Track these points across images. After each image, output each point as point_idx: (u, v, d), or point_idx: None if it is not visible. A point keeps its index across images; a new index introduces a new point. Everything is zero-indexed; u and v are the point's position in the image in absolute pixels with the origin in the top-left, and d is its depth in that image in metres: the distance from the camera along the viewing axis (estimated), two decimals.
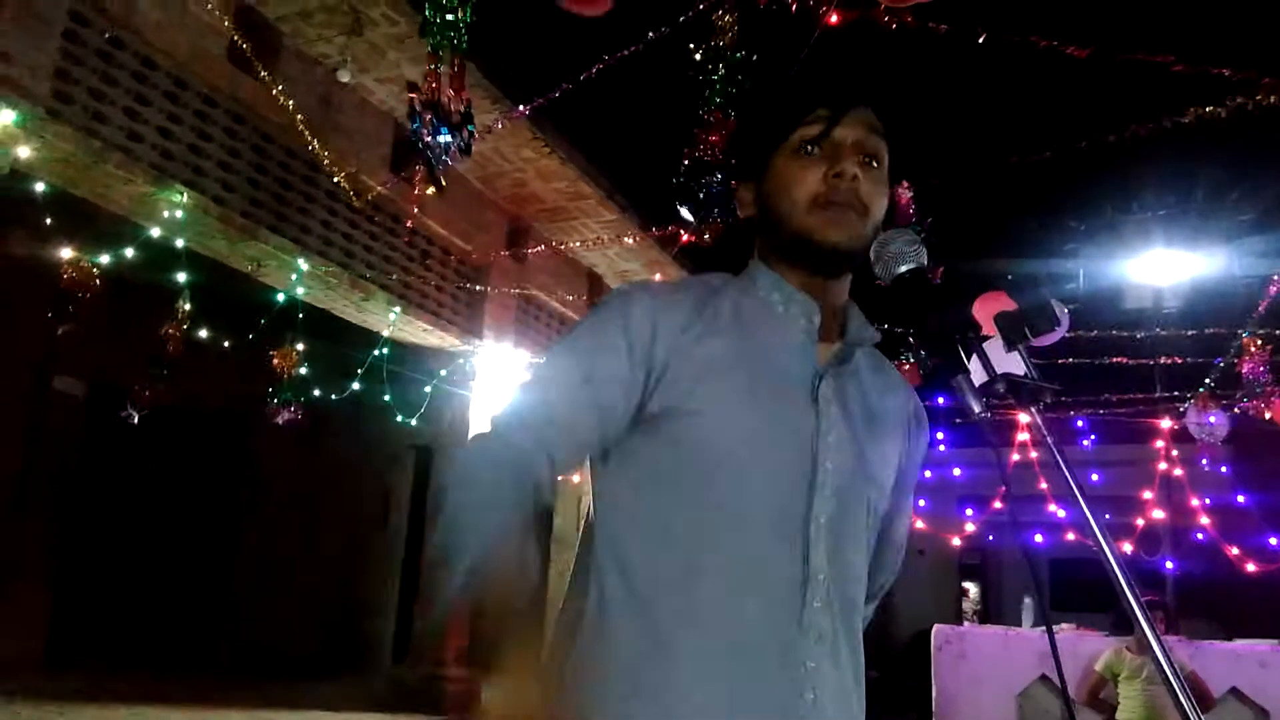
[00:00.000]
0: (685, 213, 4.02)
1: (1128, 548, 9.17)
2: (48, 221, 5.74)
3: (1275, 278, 6.40)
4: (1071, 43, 3.73)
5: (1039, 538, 11.13)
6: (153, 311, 6.57)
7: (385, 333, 7.50)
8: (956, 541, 10.75)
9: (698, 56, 3.98)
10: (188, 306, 6.31)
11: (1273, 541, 8.94)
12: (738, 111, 3.96)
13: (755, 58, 4.02)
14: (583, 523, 1.26)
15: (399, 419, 8.26)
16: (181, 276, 6.15)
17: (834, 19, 3.67)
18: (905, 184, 4.95)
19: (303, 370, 7.05)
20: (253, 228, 5.96)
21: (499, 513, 1.08)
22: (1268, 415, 7.30)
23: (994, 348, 1.05)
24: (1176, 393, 9.03)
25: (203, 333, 6.68)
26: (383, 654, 10.15)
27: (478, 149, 6.85)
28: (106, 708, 6.79)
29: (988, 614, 15.43)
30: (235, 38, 5.30)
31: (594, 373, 1.18)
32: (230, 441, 10.04)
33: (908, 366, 7.70)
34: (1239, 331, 7.38)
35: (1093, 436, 10.30)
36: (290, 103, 5.33)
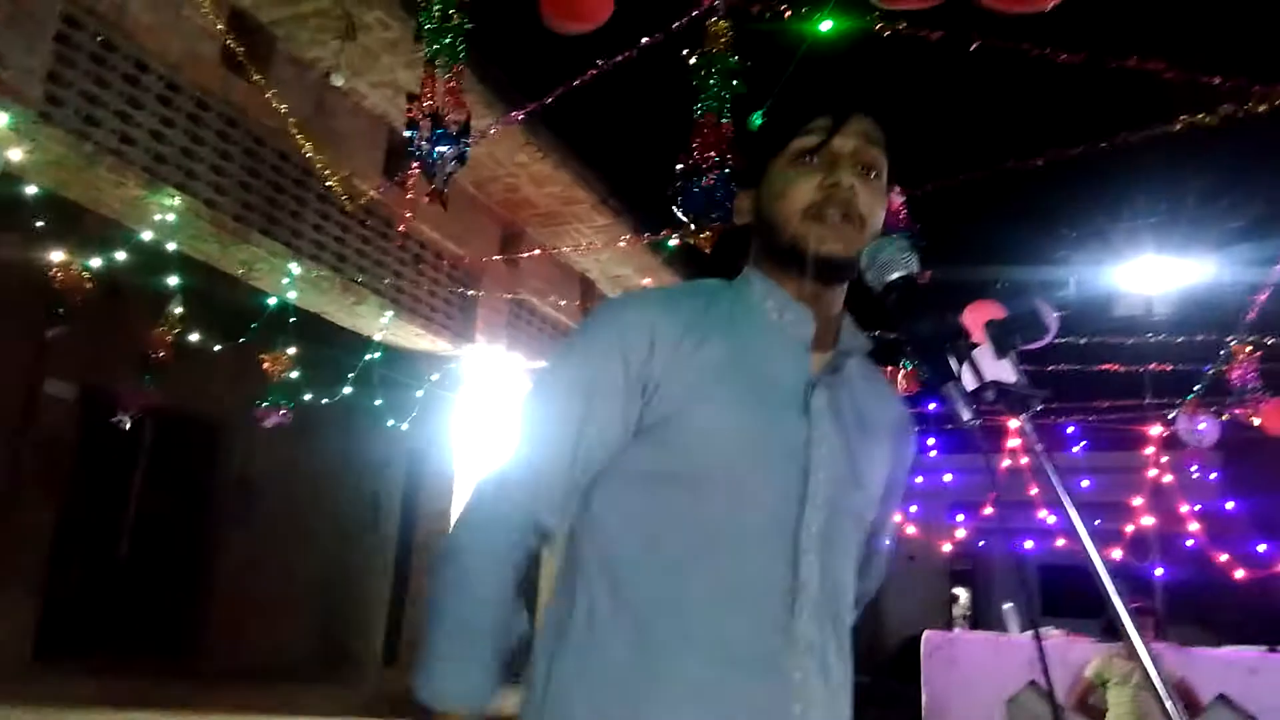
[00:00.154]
0: (679, 214, 4.02)
1: (1117, 554, 9.20)
2: (39, 224, 5.73)
3: (1265, 285, 6.43)
4: (1063, 50, 3.74)
5: (1029, 544, 11.17)
6: (144, 315, 6.56)
7: (377, 337, 7.49)
8: (947, 547, 10.77)
9: (692, 61, 3.99)
10: (179, 310, 6.29)
11: (1261, 548, 8.98)
12: (734, 117, 3.97)
13: (749, 64, 4.03)
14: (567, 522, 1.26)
15: (390, 423, 8.24)
16: (173, 280, 6.14)
17: (826, 26, 3.68)
18: (898, 189, 4.96)
19: (293, 374, 7.04)
20: (244, 231, 5.95)
21: (478, 616, 1.15)
22: (1256, 421, 7.33)
23: (984, 355, 1.06)
24: (1166, 399, 9.07)
25: (194, 336, 6.67)
26: (372, 659, 10.12)
27: (472, 153, 6.86)
28: (95, 711, 6.76)
29: (978, 620, 15.44)
30: (228, 41, 5.29)
31: (591, 413, 1.18)
32: (220, 445, 10.01)
33: (904, 374, 7.71)
34: (1229, 339, 7.41)
35: (1083, 443, 10.34)
36: (283, 107, 5.32)
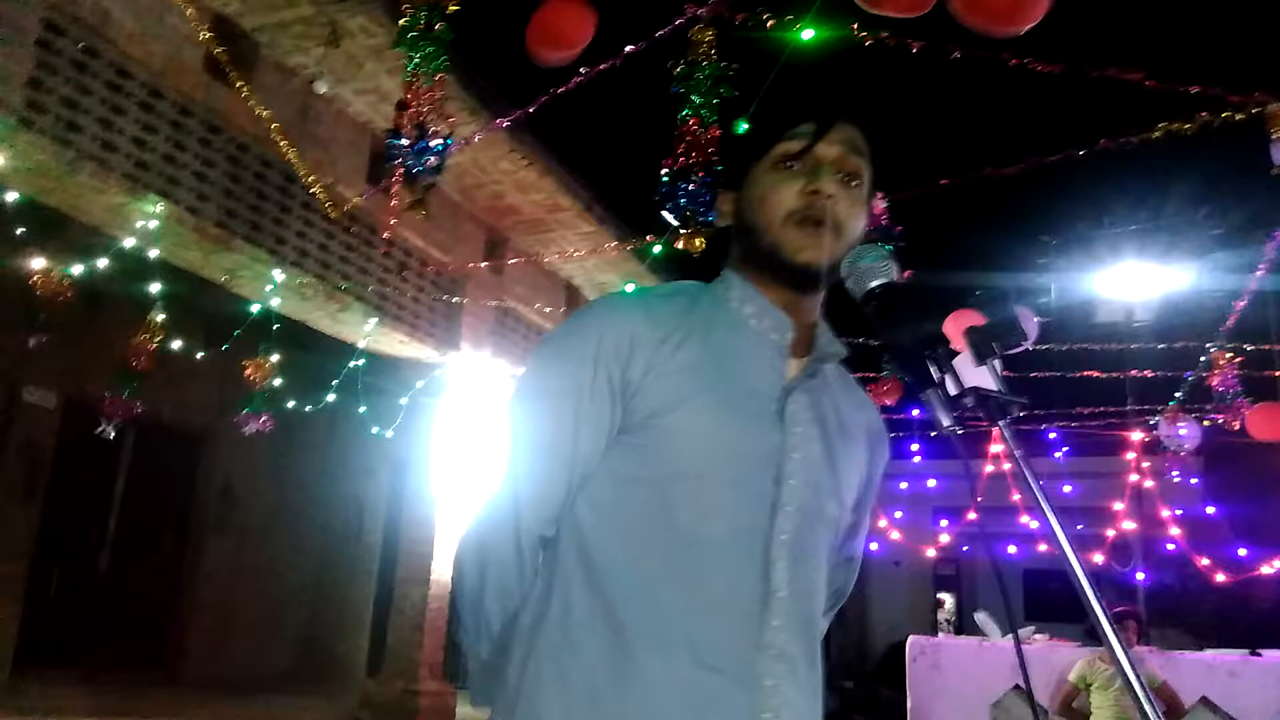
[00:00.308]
0: (668, 218, 4.03)
1: (1099, 558, 9.26)
2: (19, 231, 5.69)
3: (1245, 292, 6.49)
4: (1042, 59, 3.78)
5: (1012, 548, 11.22)
6: (126, 322, 6.51)
7: (361, 344, 7.47)
8: (931, 553, 10.82)
9: (675, 72, 4.01)
10: (161, 318, 6.25)
11: (1242, 552, 9.06)
12: (719, 120, 3.98)
13: (734, 69, 4.05)
14: None
15: (374, 431, 8.21)
16: (155, 287, 6.10)
17: (808, 34, 3.70)
18: (879, 195, 4.99)
19: (276, 381, 6.99)
20: (227, 238, 5.93)
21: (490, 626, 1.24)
22: (1236, 426, 7.40)
23: (964, 362, 1.06)
24: (1148, 405, 9.14)
25: (176, 344, 6.62)
26: (355, 668, 10.08)
27: (457, 160, 6.87)
28: None
29: (963, 625, 15.50)
30: (212, 48, 5.28)
31: (581, 420, 1.18)
32: (202, 453, 9.94)
33: (887, 381, 7.75)
34: (1208, 345, 7.48)
35: (1065, 449, 10.40)
36: (266, 113, 5.31)
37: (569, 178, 7.76)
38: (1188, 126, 4.05)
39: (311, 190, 5.80)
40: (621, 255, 8.50)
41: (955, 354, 1.06)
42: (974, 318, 1.14)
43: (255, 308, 6.68)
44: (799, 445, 1.20)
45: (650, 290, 1.31)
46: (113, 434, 6.26)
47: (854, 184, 1.24)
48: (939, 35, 3.26)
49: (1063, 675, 5.70)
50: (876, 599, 14.97)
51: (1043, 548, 8.21)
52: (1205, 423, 8.10)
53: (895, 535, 9.74)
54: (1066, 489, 10.10)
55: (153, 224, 5.52)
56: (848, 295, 1.20)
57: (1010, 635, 6.86)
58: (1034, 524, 8.10)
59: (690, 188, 3.92)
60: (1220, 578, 8.52)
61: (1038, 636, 6.87)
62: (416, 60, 3.93)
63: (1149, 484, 9.35)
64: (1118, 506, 9.31)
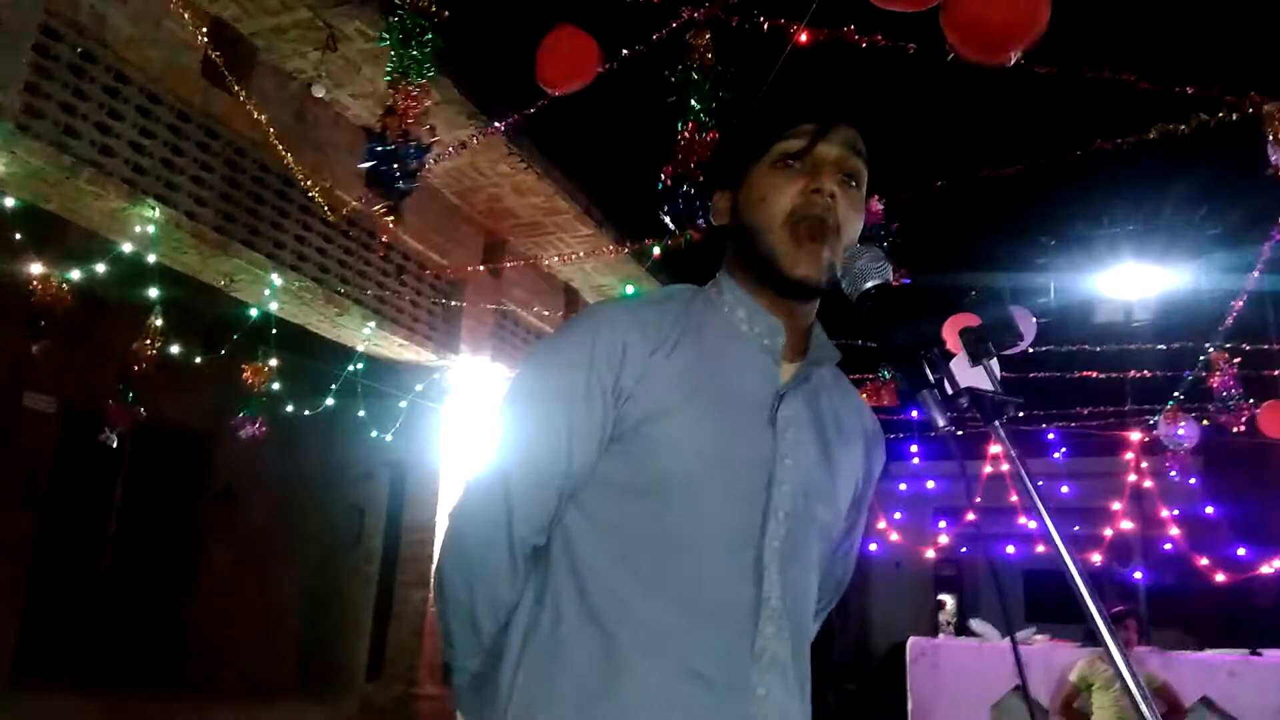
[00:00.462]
0: (667, 221, 4.03)
1: (1098, 558, 9.26)
2: (17, 237, 5.69)
3: (1243, 292, 6.49)
4: (1038, 60, 3.78)
5: (1011, 549, 11.22)
6: (125, 327, 6.51)
7: (360, 348, 7.46)
8: (931, 554, 10.82)
9: (673, 80, 4.01)
10: (159, 323, 6.24)
11: (1241, 552, 9.06)
12: (717, 123, 3.98)
13: (731, 72, 4.05)
14: None
15: (374, 435, 8.21)
16: (154, 292, 6.10)
17: (803, 38, 3.71)
18: (876, 196, 4.99)
19: (275, 385, 6.99)
20: (225, 243, 5.92)
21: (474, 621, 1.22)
22: (1235, 430, 7.41)
23: (959, 362, 1.07)
24: (1146, 405, 9.14)
25: (175, 349, 6.62)
26: (355, 673, 10.06)
27: (454, 163, 6.89)
28: None
29: (963, 626, 15.49)
30: (209, 52, 5.28)
31: (574, 424, 1.17)
32: (202, 458, 9.94)
33: (884, 383, 7.74)
34: (1207, 345, 7.48)
35: (1064, 449, 10.41)
36: (264, 117, 5.31)
37: (567, 181, 7.76)
38: (1184, 127, 4.06)
39: (310, 194, 5.79)
40: (620, 258, 8.51)
41: (951, 355, 1.06)
42: (970, 320, 1.14)
43: (254, 312, 6.68)
44: (790, 450, 1.19)
45: (644, 296, 1.30)
46: (115, 442, 6.26)
47: (853, 185, 1.24)
48: (937, 36, 3.25)
49: (1063, 676, 5.70)
50: (877, 600, 14.96)
51: (1042, 548, 8.21)
52: (1205, 422, 8.10)
53: (895, 537, 9.73)
54: (1064, 489, 10.11)
55: (151, 228, 5.52)
56: (842, 296, 1.20)
57: (1006, 637, 6.86)
58: (1033, 525, 8.10)
59: (689, 191, 3.92)
60: (1220, 578, 8.52)
61: (1038, 637, 6.86)
62: (401, 67, 3.93)
63: (1148, 484, 9.36)
64: (1116, 506, 9.31)
